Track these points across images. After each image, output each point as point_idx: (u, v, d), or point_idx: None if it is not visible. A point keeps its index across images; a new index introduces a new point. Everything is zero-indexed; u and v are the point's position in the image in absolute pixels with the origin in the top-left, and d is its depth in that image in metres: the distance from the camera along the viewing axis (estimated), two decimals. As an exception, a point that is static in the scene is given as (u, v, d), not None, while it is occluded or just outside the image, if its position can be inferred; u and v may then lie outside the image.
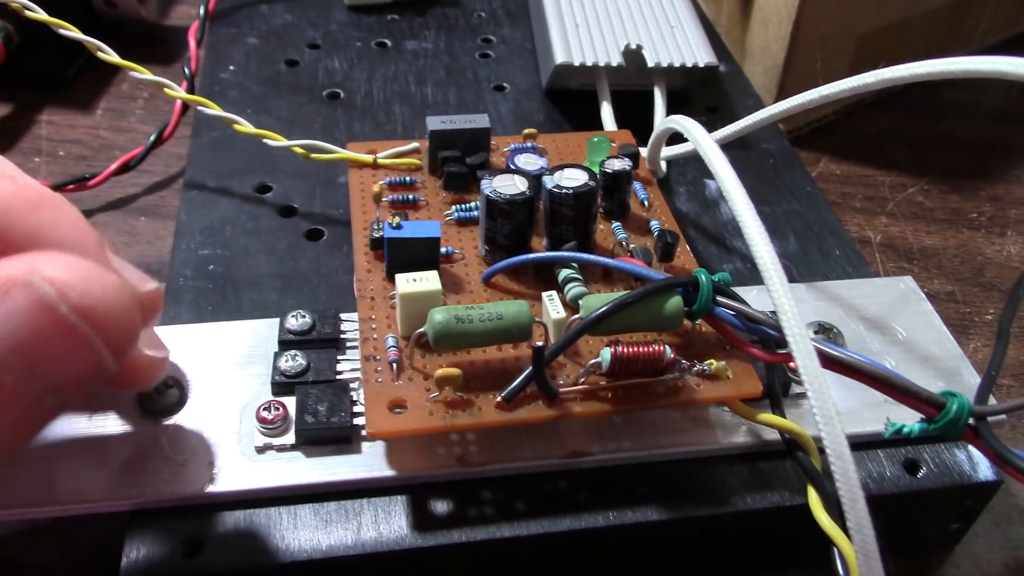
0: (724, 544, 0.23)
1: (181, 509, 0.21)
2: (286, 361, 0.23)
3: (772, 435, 0.23)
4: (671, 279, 0.22)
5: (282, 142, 0.29)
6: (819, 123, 0.42)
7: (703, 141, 0.23)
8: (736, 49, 0.41)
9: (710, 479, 0.22)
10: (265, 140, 0.29)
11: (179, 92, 0.31)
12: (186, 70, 0.36)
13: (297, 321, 0.24)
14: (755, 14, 0.40)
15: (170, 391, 0.22)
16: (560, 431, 0.22)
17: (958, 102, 0.44)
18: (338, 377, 0.23)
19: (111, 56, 0.31)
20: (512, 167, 0.27)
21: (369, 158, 0.28)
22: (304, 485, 0.21)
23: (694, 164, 0.33)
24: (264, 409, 0.22)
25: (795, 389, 0.24)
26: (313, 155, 0.29)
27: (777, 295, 0.19)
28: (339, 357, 0.23)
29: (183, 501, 0.21)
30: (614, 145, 0.29)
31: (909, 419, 0.20)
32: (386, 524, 0.21)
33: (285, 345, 0.24)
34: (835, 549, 0.19)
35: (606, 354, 0.21)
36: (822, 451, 0.21)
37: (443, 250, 0.25)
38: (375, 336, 0.22)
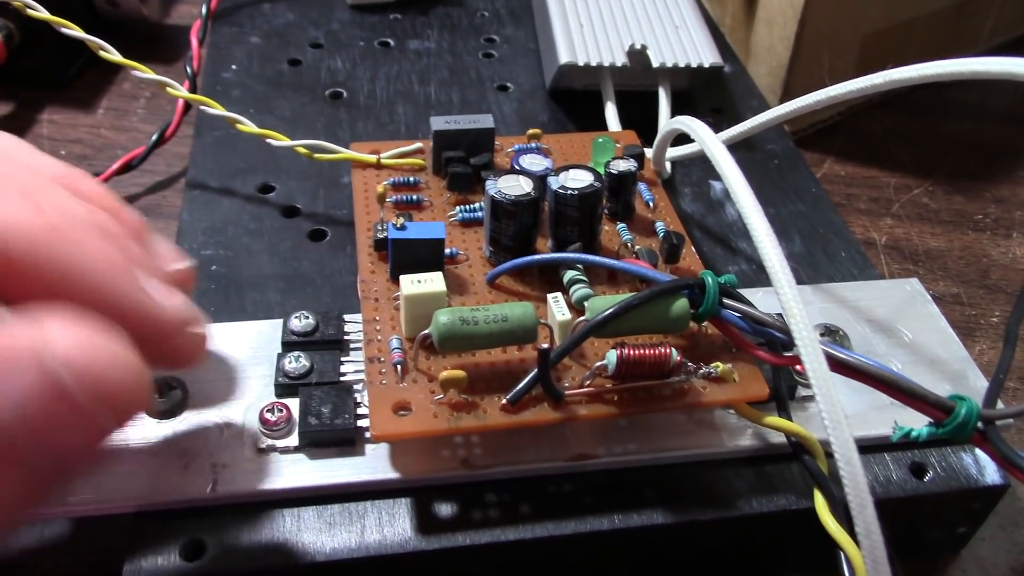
0: (729, 548, 0.23)
1: (184, 511, 0.21)
2: (289, 362, 0.23)
3: (778, 438, 0.22)
4: (677, 281, 0.22)
5: (285, 142, 0.29)
6: (824, 124, 0.42)
7: (710, 143, 0.23)
8: (740, 49, 0.41)
9: (716, 482, 0.22)
10: (268, 140, 0.29)
11: (181, 91, 0.31)
12: (188, 69, 0.36)
13: (301, 322, 0.24)
14: (759, 14, 0.40)
15: (173, 392, 0.22)
16: (565, 434, 0.22)
17: (963, 103, 0.44)
18: (342, 379, 0.23)
19: (113, 55, 0.31)
20: (517, 168, 0.27)
21: (373, 158, 0.28)
22: (308, 487, 0.21)
23: (699, 165, 0.33)
24: (267, 411, 0.22)
25: (802, 392, 0.24)
26: (316, 155, 0.29)
27: (786, 298, 0.19)
28: (343, 359, 0.23)
29: (186, 503, 0.21)
30: (619, 146, 0.29)
31: (915, 422, 0.20)
32: (390, 527, 0.21)
33: (288, 346, 0.23)
34: (842, 553, 0.19)
35: (612, 356, 0.21)
36: (829, 455, 0.21)
37: (447, 251, 0.25)
38: (379, 337, 0.22)
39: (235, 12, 0.41)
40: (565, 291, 0.23)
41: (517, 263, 0.24)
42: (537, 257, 0.24)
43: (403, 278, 0.22)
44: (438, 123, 0.28)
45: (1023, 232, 0.37)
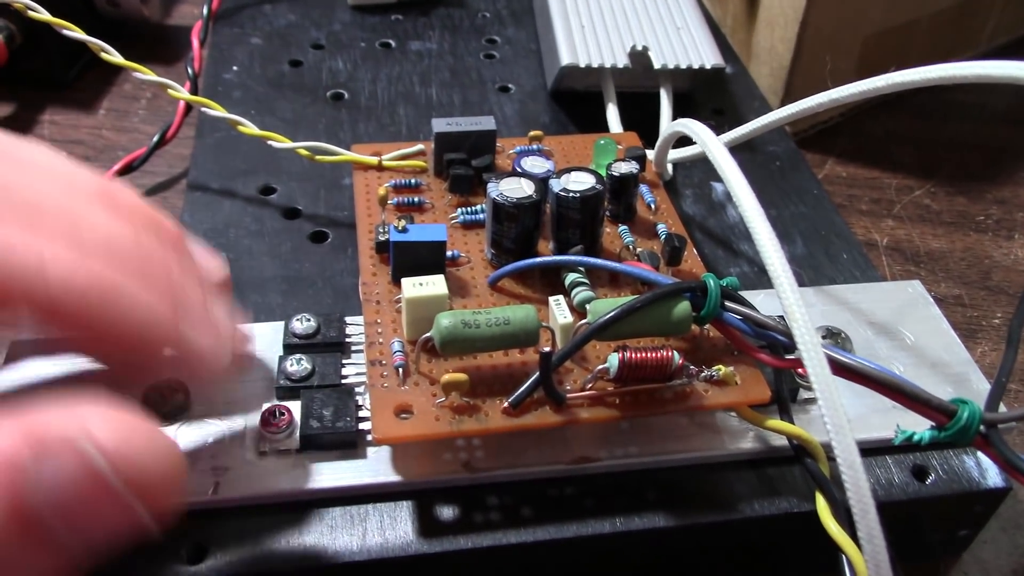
0: (731, 551, 0.23)
1: (185, 514, 0.21)
2: (291, 365, 0.23)
3: (780, 441, 0.22)
4: (679, 284, 0.22)
5: (286, 143, 0.29)
6: (825, 125, 0.42)
7: (712, 145, 0.23)
8: (742, 50, 0.41)
9: (717, 485, 0.22)
10: (269, 141, 0.29)
11: (182, 93, 0.31)
12: (189, 70, 0.36)
13: (302, 325, 0.24)
14: (761, 15, 0.40)
15: (175, 396, 0.22)
16: (567, 437, 0.22)
17: (965, 104, 0.44)
18: (343, 381, 0.23)
19: (114, 56, 0.31)
20: (518, 170, 0.27)
21: (374, 160, 0.28)
22: (309, 490, 0.21)
23: (700, 167, 0.33)
24: (269, 413, 0.22)
25: (803, 395, 0.24)
26: (318, 157, 0.29)
27: (788, 302, 0.19)
28: (344, 361, 0.23)
29: (187, 506, 0.21)
30: (620, 148, 0.29)
31: (917, 425, 0.20)
32: (392, 530, 0.21)
33: (290, 349, 0.23)
34: (843, 556, 0.19)
35: (614, 360, 0.21)
36: (830, 457, 0.21)
37: (449, 253, 0.25)
38: (381, 340, 0.22)
39: (236, 13, 0.41)
40: (567, 294, 0.23)
41: (519, 266, 0.24)
42: (539, 260, 0.24)
43: (405, 281, 0.22)
44: (440, 125, 0.28)
45: (1025, 233, 0.37)
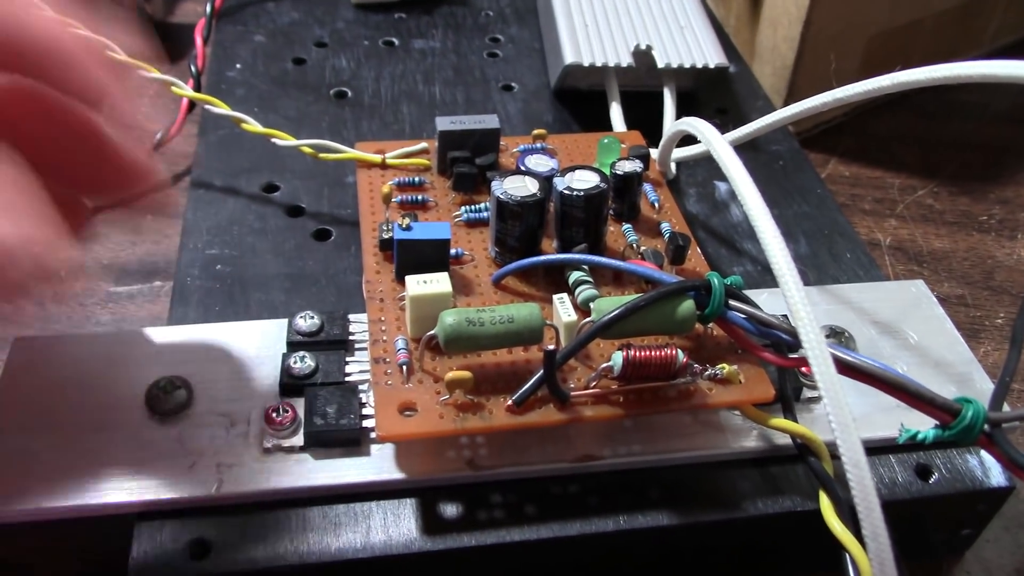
0: (734, 549, 0.23)
1: (188, 511, 0.21)
2: (295, 362, 0.23)
3: (784, 440, 0.22)
4: (683, 282, 0.22)
5: (290, 141, 0.29)
6: (828, 124, 0.42)
7: (717, 144, 0.23)
8: (745, 50, 0.41)
9: (721, 484, 0.22)
10: (273, 139, 0.29)
11: (186, 90, 0.31)
12: (192, 68, 0.36)
13: (306, 322, 0.24)
14: (764, 14, 0.40)
15: (178, 392, 0.22)
16: (571, 435, 0.22)
17: (968, 104, 0.44)
18: (347, 379, 0.23)
19: (117, 53, 0.31)
20: (522, 168, 0.27)
21: (378, 158, 0.28)
22: (313, 487, 0.21)
23: (704, 165, 0.33)
24: (272, 410, 0.22)
25: (807, 393, 0.24)
26: (321, 155, 0.29)
27: (793, 301, 0.19)
28: (348, 359, 0.23)
29: (190, 503, 0.21)
30: (624, 146, 0.29)
31: (921, 424, 0.20)
32: (395, 527, 0.21)
33: (293, 346, 0.23)
34: (847, 555, 0.19)
35: (618, 358, 0.21)
36: (834, 456, 0.21)
37: (453, 252, 0.25)
38: (384, 338, 0.22)
39: (239, 11, 0.41)
40: (571, 292, 0.23)
41: (523, 264, 0.24)
42: (543, 258, 0.24)
43: (408, 279, 0.22)
44: (443, 123, 0.28)
45: (1028, 233, 0.37)
